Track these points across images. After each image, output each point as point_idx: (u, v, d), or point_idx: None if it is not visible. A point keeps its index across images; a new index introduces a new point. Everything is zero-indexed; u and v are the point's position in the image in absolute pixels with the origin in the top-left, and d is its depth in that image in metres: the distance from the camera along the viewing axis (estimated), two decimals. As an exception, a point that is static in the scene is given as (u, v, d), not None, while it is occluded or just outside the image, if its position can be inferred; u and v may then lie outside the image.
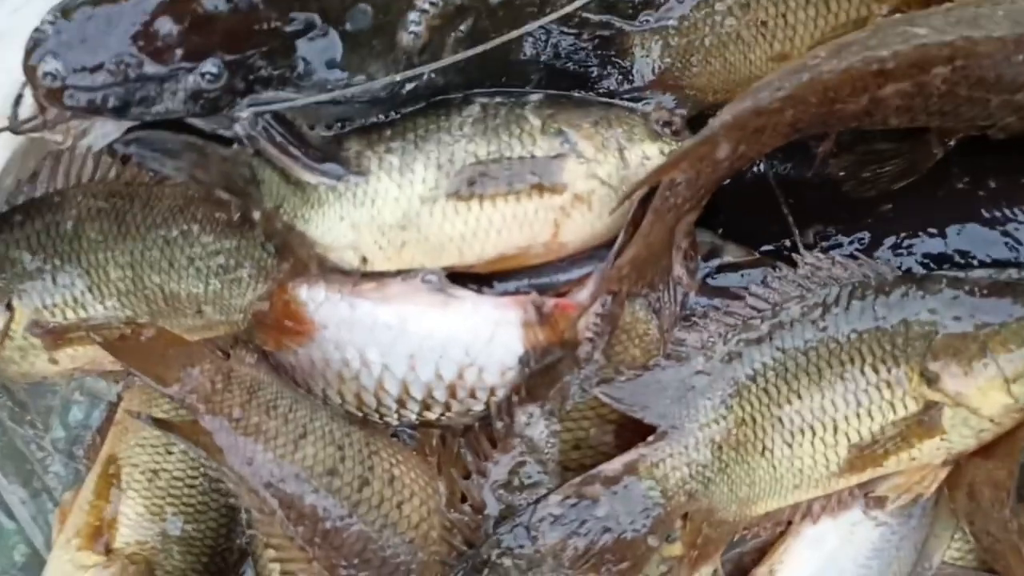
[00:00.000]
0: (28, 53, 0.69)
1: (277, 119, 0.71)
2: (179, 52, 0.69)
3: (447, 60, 0.72)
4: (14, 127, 0.73)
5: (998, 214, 0.73)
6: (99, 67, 0.69)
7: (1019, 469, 0.72)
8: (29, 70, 0.69)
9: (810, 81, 0.65)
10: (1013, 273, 0.72)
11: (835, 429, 0.68)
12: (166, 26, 0.69)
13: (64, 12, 0.69)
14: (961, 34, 0.64)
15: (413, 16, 0.71)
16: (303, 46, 0.70)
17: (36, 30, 0.69)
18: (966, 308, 0.67)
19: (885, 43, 0.66)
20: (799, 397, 0.68)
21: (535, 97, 0.76)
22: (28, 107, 0.74)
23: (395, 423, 0.76)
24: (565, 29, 0.74)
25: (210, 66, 0.70)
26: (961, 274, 0.72)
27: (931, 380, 0.66)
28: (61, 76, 0.69)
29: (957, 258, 0.74)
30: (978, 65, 0.65)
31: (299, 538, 0.70)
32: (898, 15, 0.69)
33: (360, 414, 0.75)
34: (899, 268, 0.74)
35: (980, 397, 0.66)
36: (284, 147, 0.70)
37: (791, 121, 0.67)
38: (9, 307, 0.74)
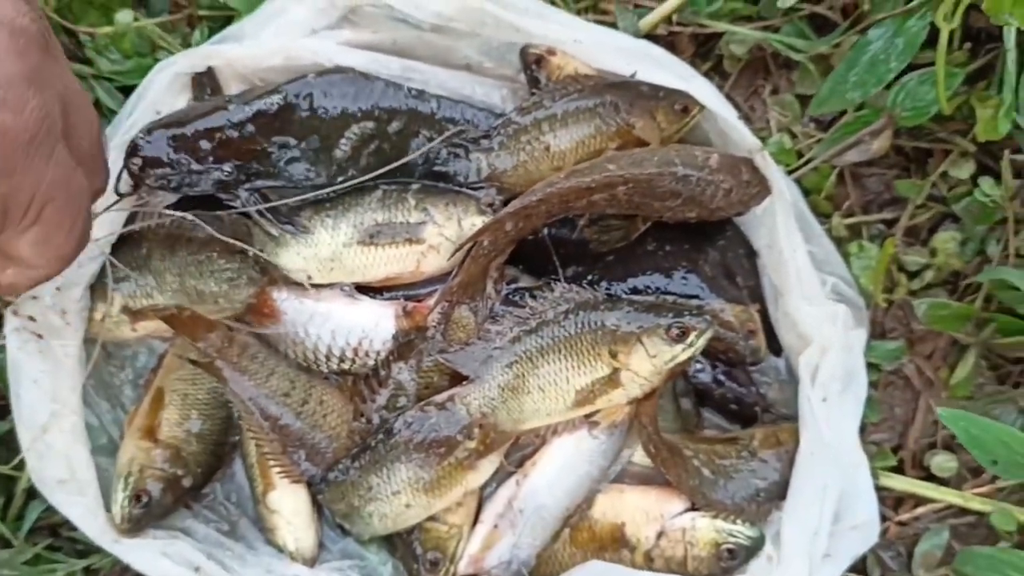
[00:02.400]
0: (128, 153, 0.97)
1: (262, 196, 1.00)
2: (210, 158, 0.98)
3: (367, 176, 1.00)
4: (119, 193, 0.98)
5: (666, 265, 1.05)
6: (166, 164, 0.97)
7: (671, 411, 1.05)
8: (126, 162, 0.97)
9: (555, 191, 0.97)
10: (652, 299, 1.02)
11: (567, 382, 0.97)
12: (204, 143, 0.98)
13: (148, 131, 0.97)
14: (630, 171, 0.96)
15: (343, 141, 1.01)
16: (281, 155, 1.00)
17: (132, 140, 0.97)
18: (634, 317, 0.96)
19: (593, 172, 0.97)
20: (548, 363, 0.97)
21: (415, 187, 1.04)
22: (124, 184, 0.98)
23: (325, 371, 1.04)
24: (436, 150, 1.04)
25: (227, 167, 0.98)
26: (636, 298, 1.02)
27: (614, 356, 0.96)
28: (144, 167, 0.98)
29: (642, 288, 1.04)
30: (640, 186, 0.97)
31: (266, 430, 0.99)
32: (615, 152, 1.00)
33: (305, 365, 1.04)
34: (608, 293, 1.03)
35: (637, 365, 0.96)
36: (263, 213, 1.00)
37: (546, 211, 0.98)
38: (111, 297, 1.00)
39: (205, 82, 1.02)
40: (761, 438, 1.03)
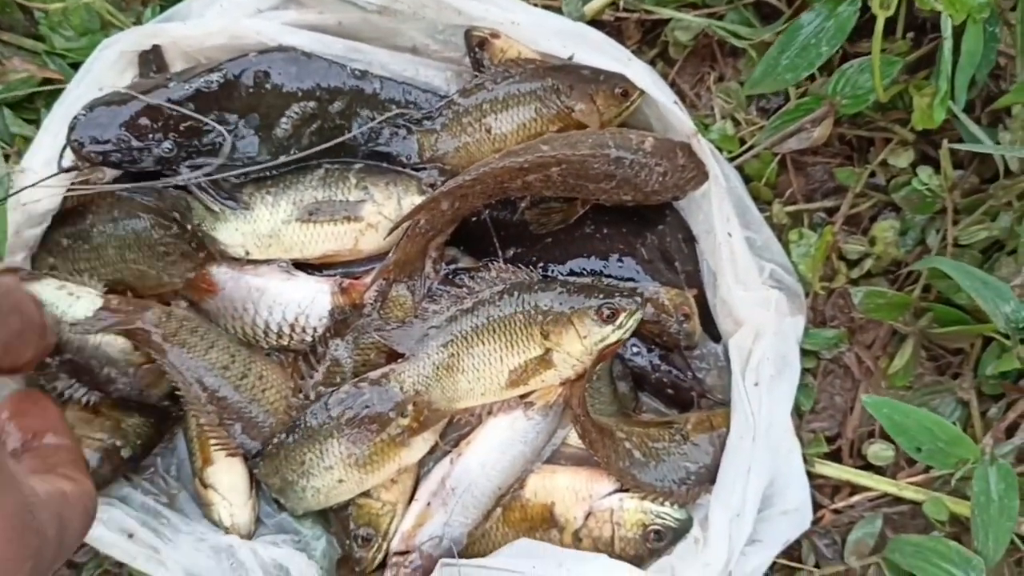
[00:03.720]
0: (69, 129, 0.97)
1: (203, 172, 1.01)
2: (151, 135, 0.98)
3: (308, 152, 1.01)
4: (59, 170, 0.98)
5: (603, 248, 1.06)
6: (106, 140, 0.97)
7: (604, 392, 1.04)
8: (68, 138, 0.97)
9: (489, 171, 0.98)
10: (586, 280, 1.02)
11: (500, 361, 0.98)
12: (144, 120, 0.98)
13: (90, 107, 0.97)
14: (563, 152, 0.97)
15: (283, 120, 1.02)
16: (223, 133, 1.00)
17: (74, 117, 0.97)
18: (566, 298, 0.98)
19: (527, 152, 0.97)
20: (482, 343, 0.98)
21: (357, 166, 1.06)
22: (67, 160, 0.98)
23: (264, 346, 1.06)
24: (378, 130, 1.05)
25: (168, 143, 0.99)
26: (569, 279, 1.03)
27: (546, 336, 0.97)
28: (84, 143, 0.97)
29: (577, 270, 1.06)
30: (573, 167, 0.98)
31: (204, 402, 1.00)
32: (552, 135, 1.01)
33: (245, 340, 1.05)
34: (545, 274, 1.04)
35: (569, 345, 0.97)
36: (205, 189, 1.01)
37: (482, 191, 1.00)
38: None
39: (151, 60, 1.03)
40: (695, 422, 1.03)
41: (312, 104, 1.04)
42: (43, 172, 0.99)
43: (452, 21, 1.05)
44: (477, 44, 1.05)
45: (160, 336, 1.01)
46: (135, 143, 0.99)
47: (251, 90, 1.02)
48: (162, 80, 1.01)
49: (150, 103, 0.99)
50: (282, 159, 1.03)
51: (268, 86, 1.03)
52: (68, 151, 1.00)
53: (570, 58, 1.03)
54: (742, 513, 0.95)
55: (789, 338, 1.02)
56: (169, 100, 0.99)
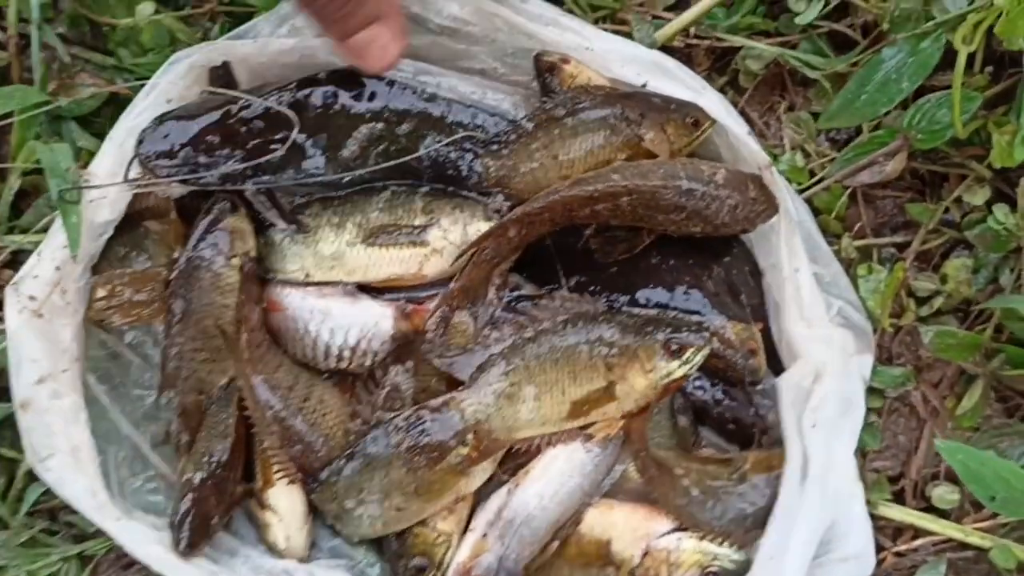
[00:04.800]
0: (137, 142, 0.99)
1: (268, 193, 1.03)
2: (218, 152, 0.99)
3: (371, 168, 1.01)
4: (127, 181, 0.99)
5: (670, 279, 1.04)
6: (173, 154, 0.99)
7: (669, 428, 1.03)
8: (135, 150, 0.99)
9: (558, 199, 0.97)
10: (652, 313, 1.01)
11: (563, 392, 0.96)
12: (212, 136, 0.99)
13: (159, 121, 0.99)
14: (634, 181, 0.96)
15: (351, 141, 1.02)
16: (290, 151, 1.00)
17: (143, 129, 0.99)
18: (632, 330, 0.95)
19: (597, 181, 0.97)
20: (544, 372, 0.96)
21: (423, 190, 1.04)
22: (133, 172, 0.99)
23: (323, 368, 1.04)
24: (446, 150, 1.04)
25: (234, 161, 0.99)
26: (634, 310, 1.01)
27: (610, 368, 0.95)
28: (151, 156, 0.99)
29: (642, 301, 1.04)
30: (643, 197, 0.96)
31: (269, 423, 1.00)
32: (622, 163, 1.00)
33: (304, 361, 1.04)
34: (609, 303, 1.02)
35: (633, 379, 0.94)
36: (268, 203, 1.02)
37: (549, 219, 0.98)
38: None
39: (220, 76, 1.03)
40: (753, 461, 1.01)
41: (380, 126, 1.03)
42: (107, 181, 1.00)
43: (523, 45, 1.04)
44: (546, 69, 1.04)
45: (245, 342, 1.00)
46: (201, 159, 1.00)
47: (319, 110, 1.02)
48: (232, 97, 1.01)
49: (220, 120, 1.00)
50: (346, 175, 1.03)
51: (337, 107, 1.02)
52: (135, 163, 1.01)
53: (643, 86, 1.02)
54: (792, 560, 0.92)
55: (854, 378, 1.00)
56: (239, 117, 1.00)
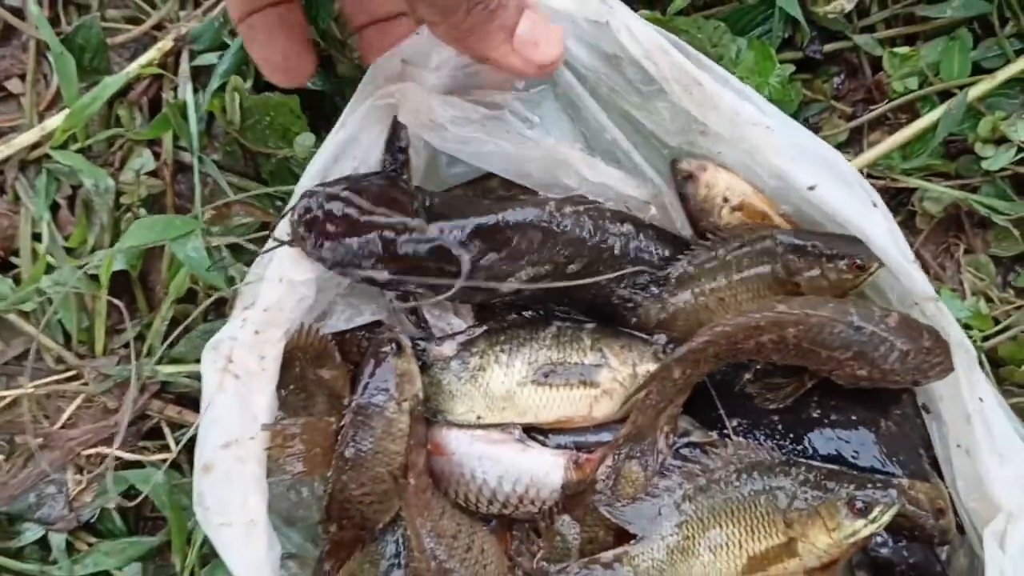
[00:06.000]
0: (299, 213, 0.96)
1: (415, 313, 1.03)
2: (372, 260, 0.96)
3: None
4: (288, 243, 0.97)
5: (831, 433, 1.01)
6: (331, 243, 0.95)
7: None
8: (295, 217, 0.96)
9: (722, 331, 0.95)
10: (833, 467, 0.98)
11: (739, 547, 0.94)
12: (375, 246, 0.96)
13: (328, 197, 0.95)
14: (802, 311, 0.94)
15: (511, 279, 1.00)
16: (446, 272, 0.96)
17: (310, 201, 0.95)
18: (813, 485, 0.94)
19: (762, 311, 0.95)
20: (719, 526, 0.94)
21: (589, 326, 1.03)
22: (282, 232, 0.97)
23: (484, 512, 1.02)
24: (611, 288, 1.03)
25: (385, 273, 0.96)
26: (813, 463, 0.98)
27: (789, 524, 0.93)
28: (308, 238, 0.95)
29: (810, 452, 1.01)
30: (811, 330, 0.94)
31: (433, 572, 0.97)
32: (787, 296, 0.98)
33: (464, 505, 1.02)
34: (780, 451, 1.00)
35: (815, 537, 0.92)
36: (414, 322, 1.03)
37: (714, 355, 0.96)
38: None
39: (400, 136, 1.01)
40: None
41: (548, 267, 1.01)
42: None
43: (704, 105, 0.98)
44: (683, 177, 1.04)
45: (413, 489, 0.98)
46: (357, 259, 0.97)
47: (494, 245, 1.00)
48: (409, 210, 0.98)
49: (390, 237, 0.96)
50: (503, 286, 1.00)
51: (505, 254, 1.00)
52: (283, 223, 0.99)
53: (811, 188, 0.98)
54: None
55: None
56: (409, 239, 0.97)
